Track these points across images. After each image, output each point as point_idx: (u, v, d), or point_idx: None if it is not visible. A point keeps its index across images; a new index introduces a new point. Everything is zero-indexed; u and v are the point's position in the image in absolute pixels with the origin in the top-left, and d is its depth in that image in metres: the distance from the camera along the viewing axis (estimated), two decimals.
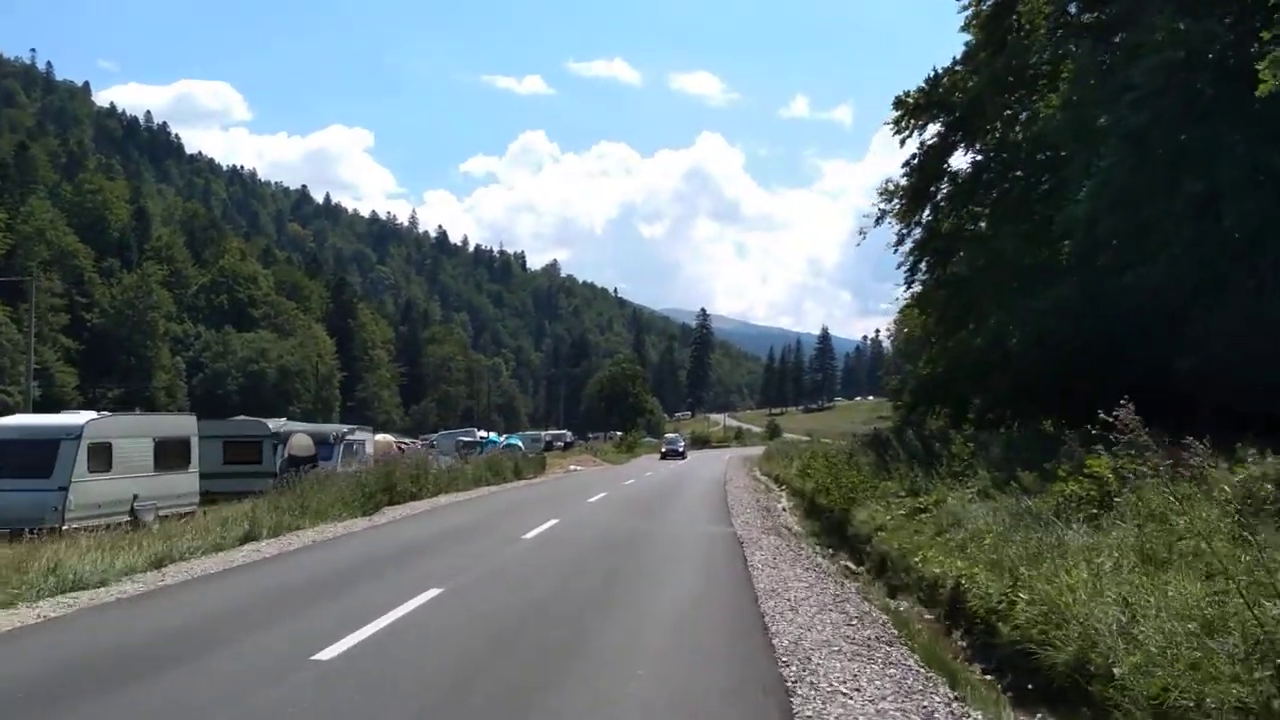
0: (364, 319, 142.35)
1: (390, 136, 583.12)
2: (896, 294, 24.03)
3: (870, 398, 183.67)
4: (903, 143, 20.72)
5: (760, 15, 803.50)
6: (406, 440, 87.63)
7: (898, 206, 21.68)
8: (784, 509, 20.70)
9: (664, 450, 68.90)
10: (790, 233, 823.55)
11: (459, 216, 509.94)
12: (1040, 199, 18.16)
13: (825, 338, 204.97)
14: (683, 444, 72.84)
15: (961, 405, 22.84)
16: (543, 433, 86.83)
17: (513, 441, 64.67)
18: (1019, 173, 19.30)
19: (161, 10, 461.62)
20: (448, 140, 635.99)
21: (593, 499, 23.11)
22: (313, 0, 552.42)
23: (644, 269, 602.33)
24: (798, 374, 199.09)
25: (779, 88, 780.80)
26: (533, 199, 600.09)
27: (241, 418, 26.69)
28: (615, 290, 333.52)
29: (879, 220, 21.90)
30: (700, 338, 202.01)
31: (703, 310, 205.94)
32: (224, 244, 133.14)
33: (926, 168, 20.79)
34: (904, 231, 21.91)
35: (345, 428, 25.35)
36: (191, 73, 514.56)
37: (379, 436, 32.38)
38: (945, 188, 21.42)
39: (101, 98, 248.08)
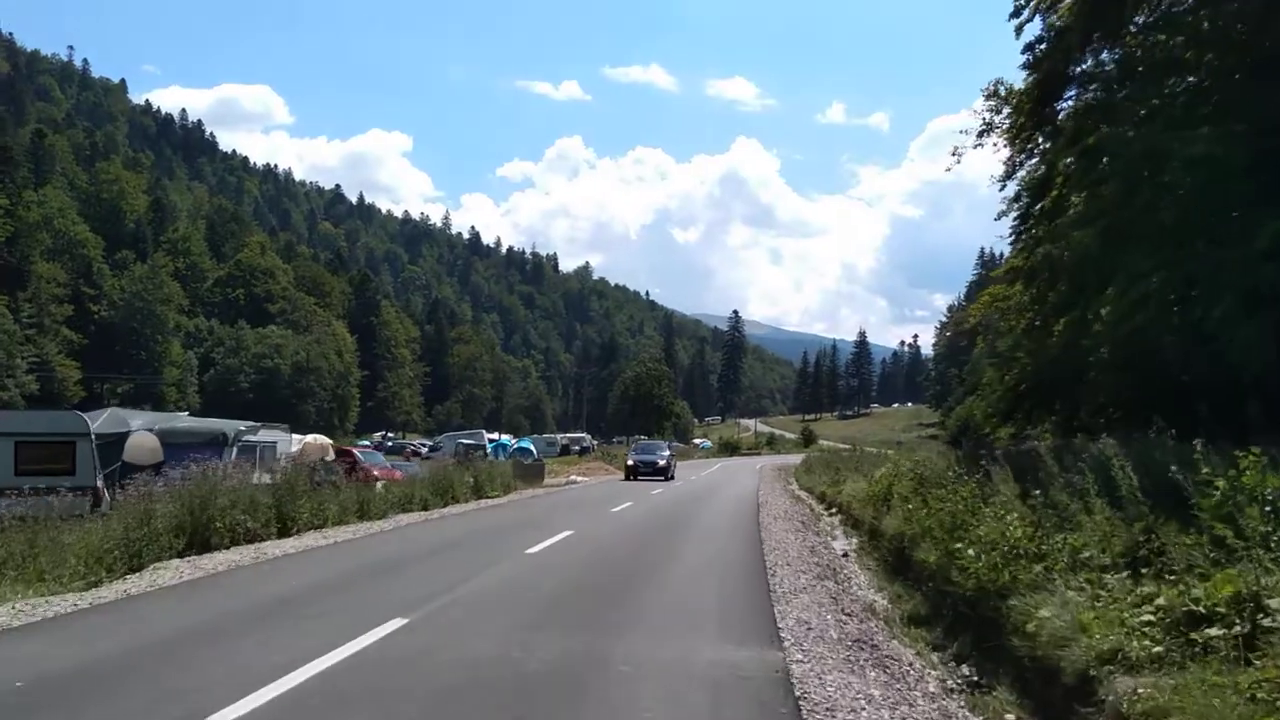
0: (388, 317, 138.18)
1: (428, 141, 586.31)
2: (977, 274, 17.59)
3: (909, 404, 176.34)
4: (1019, 30, 14.55)
5: (797, 21, 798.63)
6: (415, 442, 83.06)
7: (1008, 122, 15.54)
8: (844, 553, 14.35)
9: (631, 462, 41.92)
10: (825, 239, 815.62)
11: (495, 220, 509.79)
12: (1219, 107, 12.22)
13: (863, 342, 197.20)
14: (665, 455, 43.26)
15: (1074, 411, 16.86)
16: (559, 436, 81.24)
17: (524, 445, 59.88)
18: (1179, 80, 13.26)
19: (202, 15, 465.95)
20: (485, 145, 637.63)
21: (541, 546, 13.76)
22: (353, 7, 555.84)
23: (677, 274, 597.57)
24: (832, 380, 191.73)
25: (815, 94, 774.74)
26: (568, 204, 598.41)
27: (99, 413, 18.39)
28: (647, 294, 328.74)
29: (982, 135, 15.70)
30: (732, 341, 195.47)
31: (735, 313, 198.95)
32: (245, 238, 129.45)
33: (1057, 64, 14.38)
34: (1015, 160, 15.73)
35: (244, 425, 18.56)
36: (232, 76, 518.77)
37: (309, 438, 25.18)
38: (1070, 103, 15.22)
39: (142, 100, 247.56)
